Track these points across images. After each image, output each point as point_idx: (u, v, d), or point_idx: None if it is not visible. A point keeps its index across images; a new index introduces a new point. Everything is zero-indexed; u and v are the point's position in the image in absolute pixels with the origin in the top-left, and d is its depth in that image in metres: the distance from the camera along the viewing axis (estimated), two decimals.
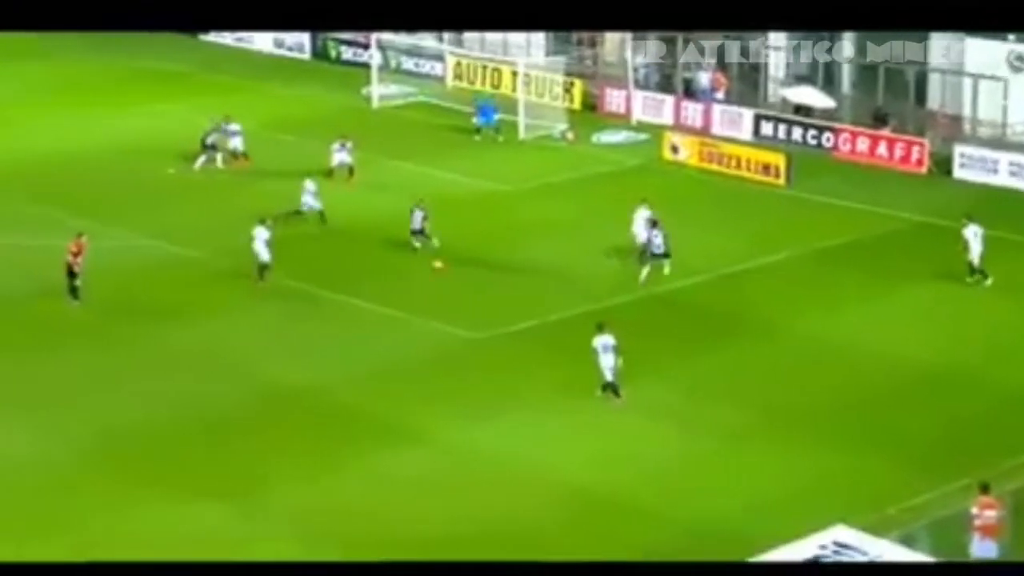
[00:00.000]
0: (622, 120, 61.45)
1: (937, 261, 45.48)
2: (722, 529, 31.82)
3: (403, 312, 42.75)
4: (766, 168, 54.93)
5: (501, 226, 50.20)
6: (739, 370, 39.43)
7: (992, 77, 56.62)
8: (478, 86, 65.60)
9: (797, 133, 58.46)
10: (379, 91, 64.54)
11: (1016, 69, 56.57)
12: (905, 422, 36.62)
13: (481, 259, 46.99)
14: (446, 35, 66.91)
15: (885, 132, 57.07)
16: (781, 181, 54.42)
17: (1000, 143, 56.05)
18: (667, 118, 60.98)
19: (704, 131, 59.27)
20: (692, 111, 60.87)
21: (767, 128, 59.01)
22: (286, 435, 36.13)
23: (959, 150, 55.37)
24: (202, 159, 55.51)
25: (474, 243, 48.25)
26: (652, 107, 61.74)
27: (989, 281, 44.34)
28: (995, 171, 54.54)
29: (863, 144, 57.02)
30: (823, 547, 27.36)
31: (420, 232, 47.04)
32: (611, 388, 37.26)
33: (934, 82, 58.49)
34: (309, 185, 50.05)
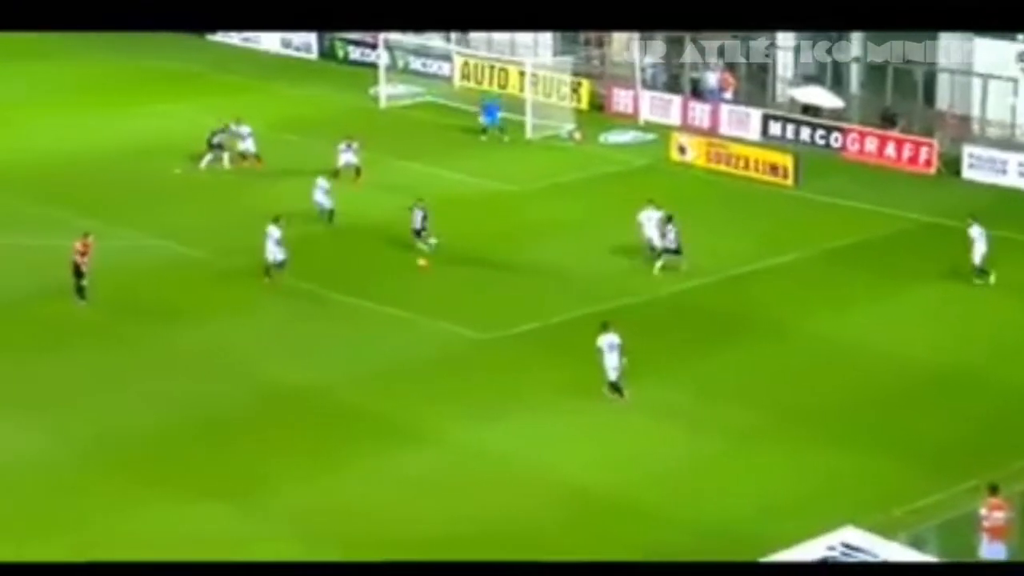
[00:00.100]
0: (629, 120, 61.36)
1: (945, 262, 45.36)
2: (730, 530, 31.72)
3: (408, 312, 42.68)
4: (774, 168, 54.82)
5: (508, 226, 50.13)
6: (747, 371, 39.34)
7: (1001, 77, 56.44)
8: (485, 86, 65.54)
9: (805, 133, 58.35)
10: (386, 91, 64.49)
11: None
12: (914, 423, 36.51)
13: (488, 259, 46.92)
14: (453, 35, 66.81)
15: (894, 132, 56.94)
16: (789, 181, 54.30)
17: (1009, 144, 55.90)
18: (675, 118, 60.88)
19: (712, 131, 59.17)
20: (700, 111, 60.77)
21: (775, 128, 58.89)
22: (290, 435, 36.08)
23: (968, 150, 55.23)
24: (208, 158, 55.49)
25: (481, 243, 48.19)
26: (660, 107, 61.64)
27: (992, 279, 44.22)
28: (1004, 172, 54.39)
29: (871, 144, 56.89)
30: (831, 548, 27.27)
31: (420, 231, 46.99)
32: (615, 387, 37.17)
33: (943, 82, 58.35)
34: (321, 183, 50.04)
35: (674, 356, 40.02)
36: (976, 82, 57.24)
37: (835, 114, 59.12)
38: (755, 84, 62.08)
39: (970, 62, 57.28)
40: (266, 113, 61.01)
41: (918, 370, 39.34)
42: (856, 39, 59.46)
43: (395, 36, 66.71)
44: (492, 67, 66.10)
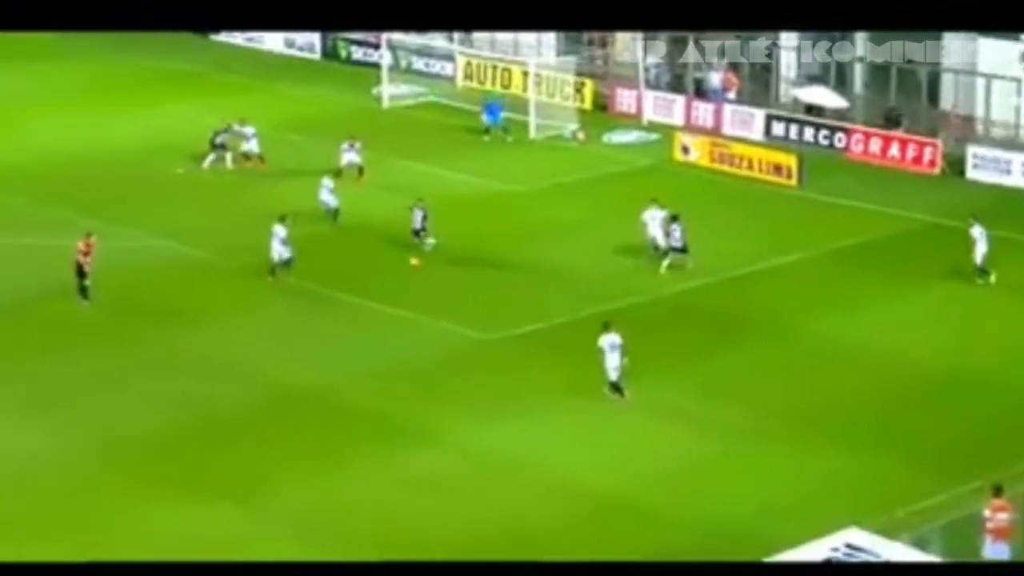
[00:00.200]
0: (633, 120, 61.29)
1: (949, 262, 45.28)
2: (733, 531, 31.66)
3: (412, 312, 42.64)
4: (778, 169, 54.74)
5: (511, 226, 50.07)
6: (751, 371, 39.28)
7: (1005, 77, 56.35)
8: (488, 86, 65.48)
9: (809, 133, 58.25)
10: (389, 91, 64.43)
11: None
12: (918, 424, 36.45)
13: (491, 259, 46.88)
14: (456, 35, 66.75)
15: (898, 132, 56.85)
16: (793, 182, 54.23)
17: (1013, 144, 55.80)
18: (678, 118, 60.80)
19: (715, 131, 59.10)
20: (703, 111, 60.69)
21: (779, 128, 58.81)
22: (291, 435, 36.04)
23: (972, 151, 55.14)
24: (211, 158, 55.46)
25: (484, 243, 48.14)
26: (663, 107, 61.57)
27: (992, 279, 44.16)
28: (1008, 172, 54.29)
29: (875, 145, 56.80)
30: (835, 549, 27.23)
31: (420, 231, 46.93)
32: (615, 388, 37.12)
33: (947, 82, 58.27)
34: (326, 182, 50.02)
35: (677, 356, 39.96)
36: (980, 82, 57.15)
37: (839, 114, 59.03)
38: (759, 84, 62.00)
39: (974, 62, 57.20)
40: (269, 113, 60.97)
41: (922, 371, 39.27)
42: (860, 39, 59.38)
43: (398, 36, 66.64)
44: (495, 67, 66.03)
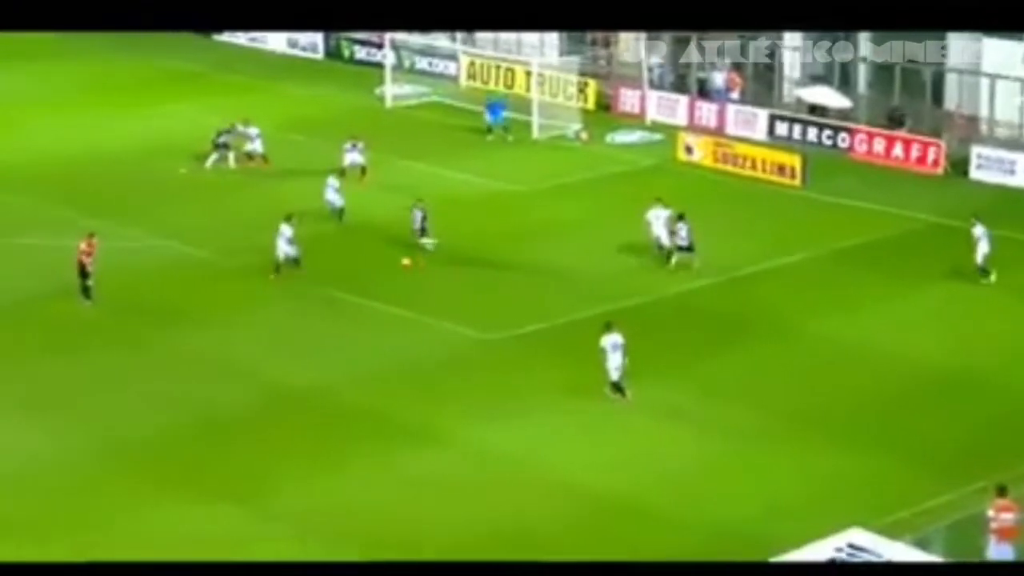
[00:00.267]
0: (636, 120, 61.23)
1: (953, 263, 45.20)
2: (736, 532, 31.59)
3: (414, 312, 42.58)
4: (781, 169, 54.67)
5: (514, 226, 50.01)
6: (754, 372, 39.20)
7: (1009, 77, 56.26)
8: (492, 86, 65.43)
9: (812, 133, 58.19)
10: (393, 91, 64.37)
11: None
12: (921, 424, 36.36)
13: (494, 259, 46.82)
14: (459, 35, 66.70)
15: (901, 133, 56.77)
16: (796, 182, 54.16)
17: (1017, 144, 55.69)
18: (681, 118, 60.74)
19: (719, 131, 59.03)
20: (706, 111, 60.63)
21: (782, 128, 58.74)
22: (293, 435, 35.98)
23: (976, 151, 55.05)
24: (213, 157, 55.43)
25: (487, 243, 48.08)
26: (666, 107, 61.51)
27: (992, 278, 44.12)
28: (1012, 172, 54.19)
29: (879, 145, 56.72)
30: (838, 550, 27.16)
31: (420, 231, 46.88)
32: (617, 388, 37.05)
33: (951, 82, 58.17)
34: (332, 182, 49.99)
35: (680, 356, 39.89)
36: (984, 82, 57.07)
37: (842, 114, 58.96)
38: (762, 84, 61.93)
39: (978, 62, 57.12)
40: (272, 113, 60.93)
41: (925, 371, 39.19)
42: (863, 39, 59.31)
43: (401, 36, 66.59)
44: (498, 67, 65.98)
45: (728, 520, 32.19)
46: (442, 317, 42.21)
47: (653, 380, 37.98)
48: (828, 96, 59.50)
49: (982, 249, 44.31)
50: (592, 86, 63.23)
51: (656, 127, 60.33)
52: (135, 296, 44.06)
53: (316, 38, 72.23)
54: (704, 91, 62.11)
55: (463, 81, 66.86)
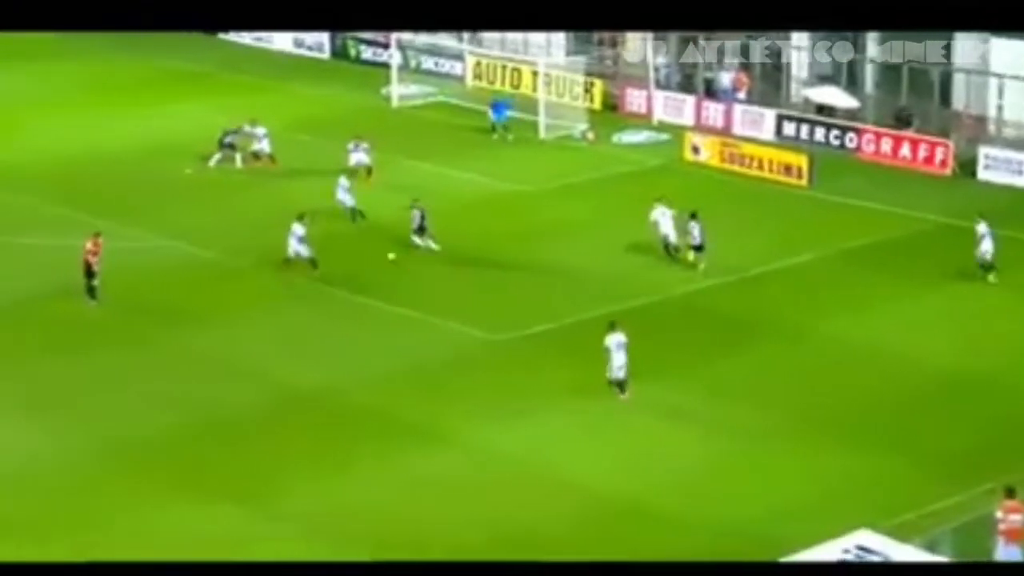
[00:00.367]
0: (643, 120, 61.12)
1: (961, 263, 45.06)
2: (744, 533, 31.48)
3: (420, 313, 42.49)
4: (788, 169, 54.54)
5: (521, 227, 49.91)
6: (761, 372, 39.09)
7: (1017, 77, 56.09)
8: (498, 86, 65.34)
9: (820, 134, 58.06)
10: (399, 91, 64.29)
11: None
12: (930, 425, 36.24)
13: (501, 260, 46.73)
14: (466, 35, 66.61)
15: (909, 133, 56.62)
16: (803, 182, 54.03)
17: None
18: (688, 118, 60.63)
19: (726, 131, 58.91)
20: (713, 111, 60.51)
21: (789, 128, 58.61)
22: (300, 436, 35.91)
23: (984, 151, 54.90)
24: (217, 156, 55.36)
25: (494, 244, 47.99)
26: (673, 107, 61.39)
27: (991, 278, 44.06)
28: (1020, 172, 54.01)
29: (887, 145, 56.58)
30: (846, 551, 27.07)
31: (420, 231, 46.76)
32: (618, 385, 36.94)
33: (959, 82, 58.03)
34: (343, 182, 49.89)
35: (687, 356, 39.79)
36: (992, 82, 56.90)
37: (850, 114, 58.83)
38: (769, 84, 61.81)
39: (986, 62, 56.95)
40: (278, 113, 60.85)
41: (933, 372, 39.07)
42: (871, 39, 59.17)
43: (407, 35, 66.52)
44: (505, 67, 65.88)
45: (736, 521, 32.08)
46: (449, 317, 42.11)
47: (660, 380, 37.88)
48: (835, 96, 59.37)
49: (985, 247, 44.23)
50: (598, 86, 63.13)
51: (663, 127, 60.21)
52: (140, 296, 43.99)
53: (322, 38, 72.15)
54: (711, 91, 61.99)
55: (469, 81, 66.77)
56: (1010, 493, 29.19)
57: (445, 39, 66.95)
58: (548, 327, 41.63)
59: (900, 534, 28.19)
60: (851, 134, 57.41)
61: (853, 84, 60.19)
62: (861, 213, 51.08)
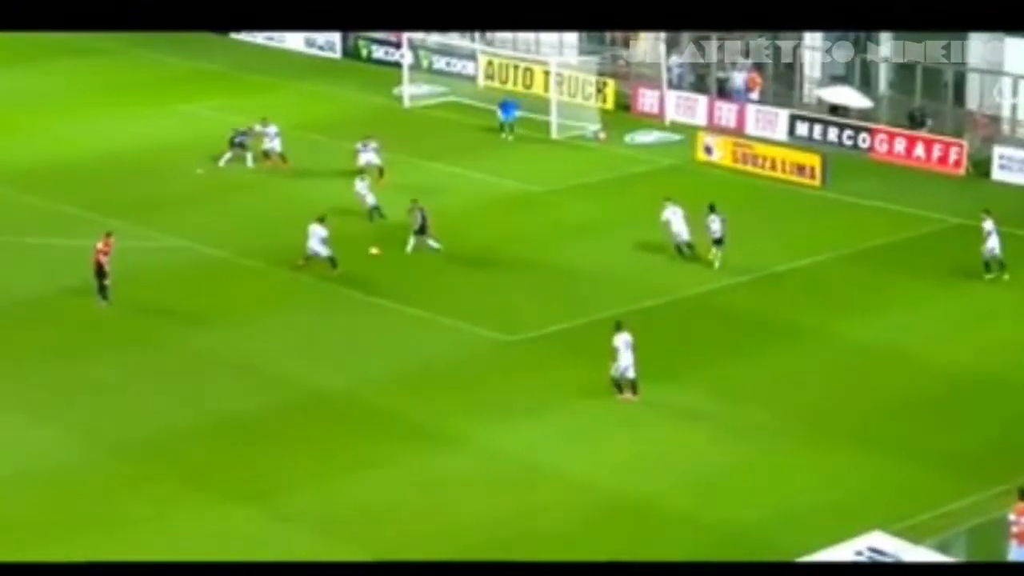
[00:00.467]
0: (655, 120, 60.99)
1: (975, 264, 44.88)
2: (756, 535, 31.37)
3: (432, 314, 42.39)
4: (801, 169, 54.39)
5: (533, 227, 49.80)
6: (774, 373, 38.96)
7: None
8: (510, 86, 65.23)
9: (833, 134, 57.89)
10: (410, 91, 64.21)
11: None
12: (943, 426, 36.10)
13: (513, 260, 46.63)
14: (478, 34, 66.52)
15: (922, 133, 56.44)
16: (816, 182, 53.89)
17: None
18: (701, 118, 60.48)
19: (738, 132, 58.77)
20: (726, 111, 60.37)
21: (802, 128, 58.46)
22: (310, 436, 35.85)
23: (998, 151, 54.70)
24: (227, 156, 55.30)
25: (506, 244, 47.90)
26: (686, 107, 61.26)
27: (988, 276, 43.97)
28: None
29: (900, 145, 56.40)
30: (859, 553, 26.95)
31: (421, 231, 46.64)
32: (617, 384, 36.83)
33: (973, 82, 57.82)
34: (359, 182, 49.74)
35: (700, 357, 39.67)
36: (1007, 82, 56.69)
37: (863, 114, 58.67)
38: (782, 84, 61.65)
39: (1000, 62, 56.74)
40: (289, 112, 60.80)
41: (947, 373, 38.91)
42: (885, 39, 58.99)
43: (419, 35, 66.43)
44: (517, 67, 65.78)
45: (748, 522, 31.97)
46: (460, 318, 42.02)
47: (672, 381, 37.77)
48: (849, 96, 59.20)
49: (991, 244, 44.12)
50: (611, 86, 63.01)
51: (675, 127, 60.08)
52: (151, 296, 43.94)
53: (334, 37, 72.11)
54: (724, 91, 61.85)
55: (481, 81, 66.67)
56: (1023, 495, 29.03)
57: (457, 39, 66.87)
58: (560, 327, 41.52)
59: (913, 536, 28.08)
60: (864, 134, 57.24)
61: (866, 84, 60.02)
62: (874, 213, 50.92)
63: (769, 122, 59.11)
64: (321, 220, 45.15)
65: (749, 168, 55.42)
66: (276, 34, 73.15)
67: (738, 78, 61.50)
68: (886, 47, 59.30)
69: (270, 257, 46.06)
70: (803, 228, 49.79)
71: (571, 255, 47.01)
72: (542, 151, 58.04)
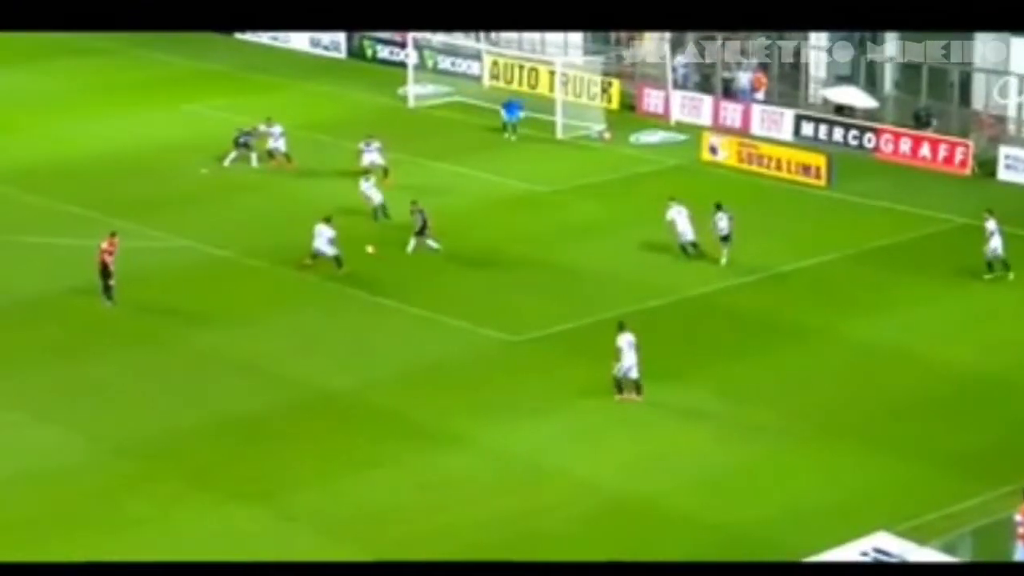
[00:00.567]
0: (660, 120, 60.93)
1: (981, 264, 44.79)
2: (761, 535, 31.31)
3: (437, 314, 42.35)
4: (806, 169, 54.32)
5: (538, 227, 49.75)
6: (779, 373, 38.89)
7: None
8: (515, 86, 65.17)
9: (838, 134, 57.81)
10: (415, 91, 64.17)
11: None
12: (949, 427, 36.04)
13: (518, 261, 46.58)
14: (483, 34, 66.46)
15: (928, 133, 56.35)
16: (822, 182, 53.81)
17: None
18: (706, 119, 60.42)
19: (743, 132, 58.70)
20: (731, 111, 60.30)
21: (808, 128, 58.38)
22: (315, 436, 35.82)
23: (1004, 151, 54.61)
24: (232, 156, 55.27)
25: (511, 244, 47.85)
26: (691, 107, 61.19)
27: (988, 276, 43.94)
28: None
29: (906, 145, 56.32)
30: (864, 553, 26.89)
31: (421, 232, 46.59)
32: (618, 384, 36.76)
33: (979, 82, 57.73)
34: (364, 182, 49.68)
35: (705, 358, 39.61)
36: (1013, 82, 56.60)
37: (869, 114, 58.59)
38: (788, 84, 61.59)
39: (1006, 62, 56.65)
40: (294, 112, 60.79)
41: (953, 373, 38.84)
42: (890, 39, 58.91)
43: (424, 35, 66.39)
44: (522, 67, 65.73)
45: (753, 523, 31.91)
46: (465, 318, 41.97)
47: (677, 381, 37.72)
48: (854, 96, 59.12)
49: (994, 243, 44.05)
50: (616, 86, 62.94)
51: (680, 127, 60.01)
52: (156, 295, 43.91)
53: (339, 37, 72.08)
54: (729, 91, 61.78)
55: (486, 81, 66.63)
56: None
57: (462, 39, 66.82)
58: (564, 328, 41.47)
59: (918, 536, 28.03)
60: (870, 134, 57.16)
61: (872, 84, 59.95)
62: (880, 214, 50.85)
63: (774, 122, 59.03)
64: (328, 220, 45.12)
65: (754, 168, 55.34)
66: (281, 34, 73.12)
67: (743, 78, 61.44)
68: (891, 47, 59.20)
69: (274, 257, 46.03)
70: (808, 228, 49.72)
71: (576, 255, 46.96)
72: (547, 151, 57.99)
